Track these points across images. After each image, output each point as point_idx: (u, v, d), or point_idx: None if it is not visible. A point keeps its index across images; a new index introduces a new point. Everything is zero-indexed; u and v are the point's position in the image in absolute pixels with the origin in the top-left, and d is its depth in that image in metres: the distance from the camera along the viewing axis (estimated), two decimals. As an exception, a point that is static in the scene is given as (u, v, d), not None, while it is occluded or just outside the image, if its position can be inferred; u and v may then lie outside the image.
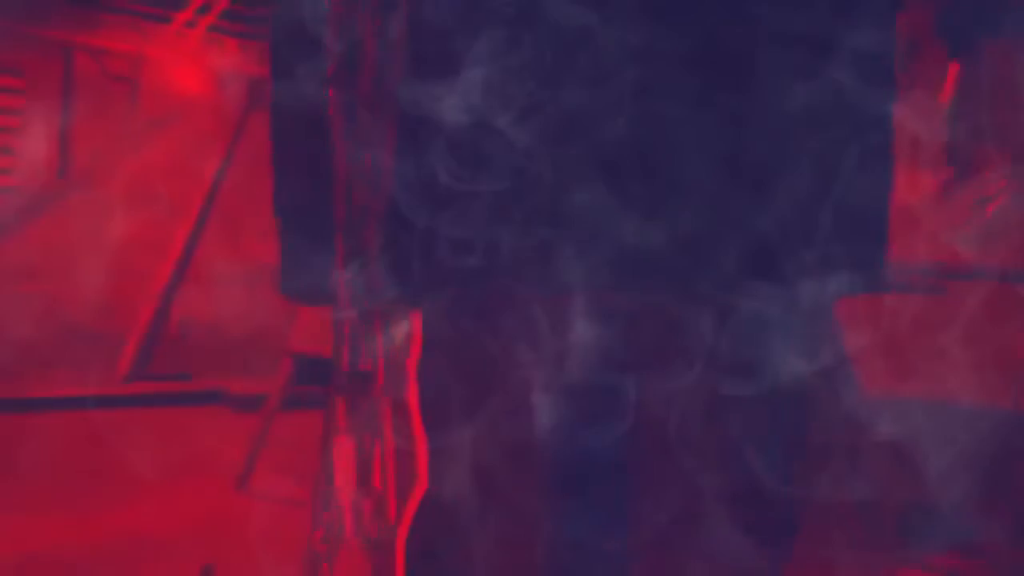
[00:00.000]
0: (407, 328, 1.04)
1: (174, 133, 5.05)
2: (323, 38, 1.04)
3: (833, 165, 0.99)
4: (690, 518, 1.04)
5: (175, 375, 5.02)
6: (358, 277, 1.02)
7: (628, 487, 1.07)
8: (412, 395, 0.98)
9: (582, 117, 0.96)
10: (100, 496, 2.99)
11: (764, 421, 1.02)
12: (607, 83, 0.95)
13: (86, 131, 5.03)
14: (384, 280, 1.01)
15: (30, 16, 4.46)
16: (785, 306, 0.98)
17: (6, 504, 2.91)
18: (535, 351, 1.00)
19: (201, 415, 4.46)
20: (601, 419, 1.00)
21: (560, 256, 0.97)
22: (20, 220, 4.97)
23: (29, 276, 4.92)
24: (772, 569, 1.11)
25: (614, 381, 0.98)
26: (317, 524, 0.97)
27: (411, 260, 1.03)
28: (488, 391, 1.03)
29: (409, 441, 1.03)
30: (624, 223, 0.96)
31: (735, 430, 1.01)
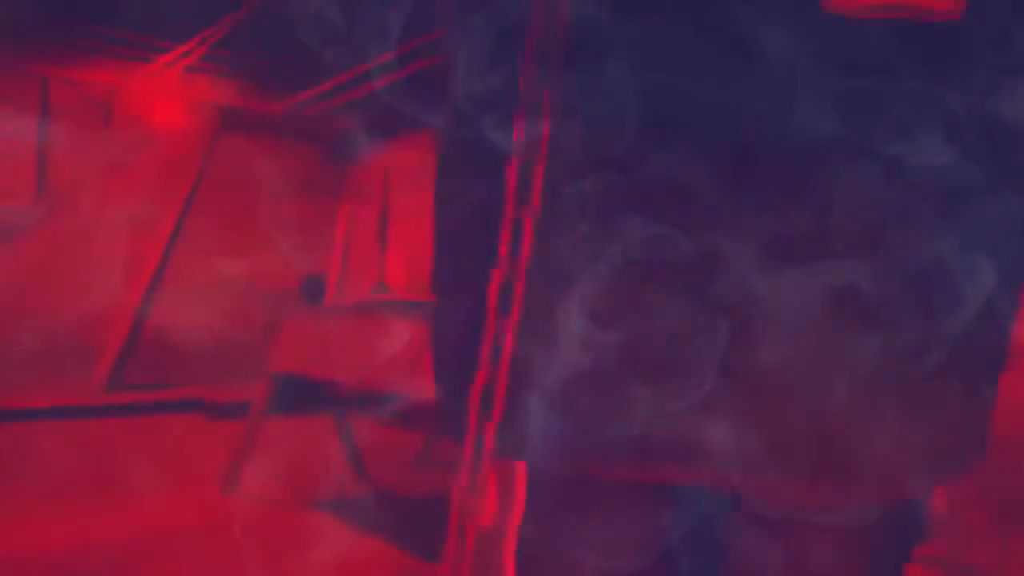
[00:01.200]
0: None
1: (148, 155, 5.18)
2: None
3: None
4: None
5: (152, 385, 5.14)
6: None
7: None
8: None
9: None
10: (88, 500, 3.03)
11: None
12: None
13: (63, 154, 5.12)
14: None
15: (10, 48, 4.55)
16: None
17: None
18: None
19: (180, 422, 4.61)
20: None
21: None
22: (1, 239, 5.08)
23: (9, 292, 5.01)
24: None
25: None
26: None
27: None
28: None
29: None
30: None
31: None
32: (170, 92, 4.84)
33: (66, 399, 4.79)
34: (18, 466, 3.40)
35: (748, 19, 0.90)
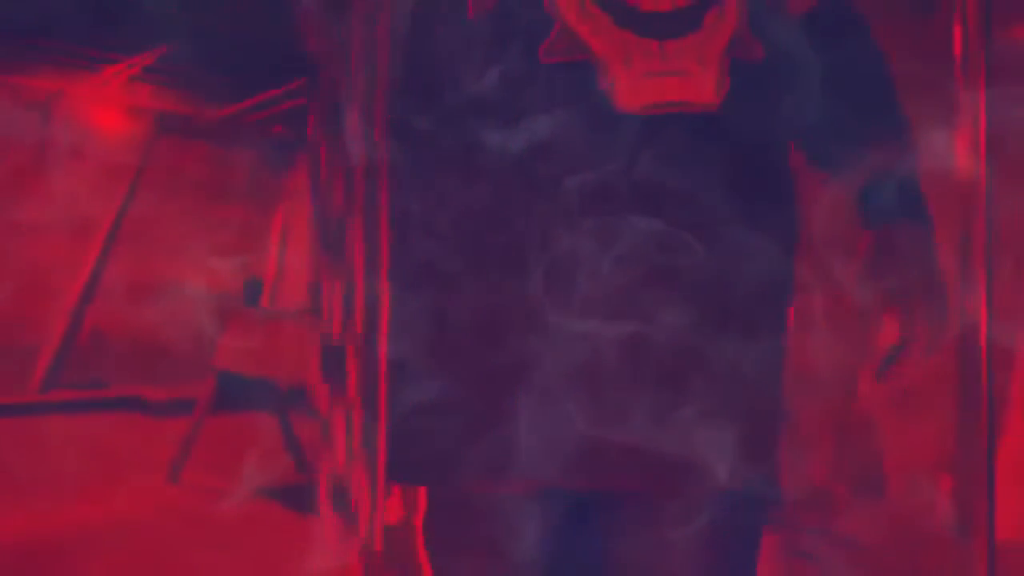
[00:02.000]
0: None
1: (87, 158, 5.20)
2: None
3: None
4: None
5: (89, 384, 5.15)
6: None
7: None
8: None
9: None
10: (28, 497, 3.05)
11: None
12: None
13: None
14: None
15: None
16: None
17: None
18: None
19: (118, 421, 4.62)
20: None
21: None
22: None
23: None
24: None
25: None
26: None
27: None
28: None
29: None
30: None
31: None
32: (111, 99, 4.89)
33: (1, 398, 4.79)
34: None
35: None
